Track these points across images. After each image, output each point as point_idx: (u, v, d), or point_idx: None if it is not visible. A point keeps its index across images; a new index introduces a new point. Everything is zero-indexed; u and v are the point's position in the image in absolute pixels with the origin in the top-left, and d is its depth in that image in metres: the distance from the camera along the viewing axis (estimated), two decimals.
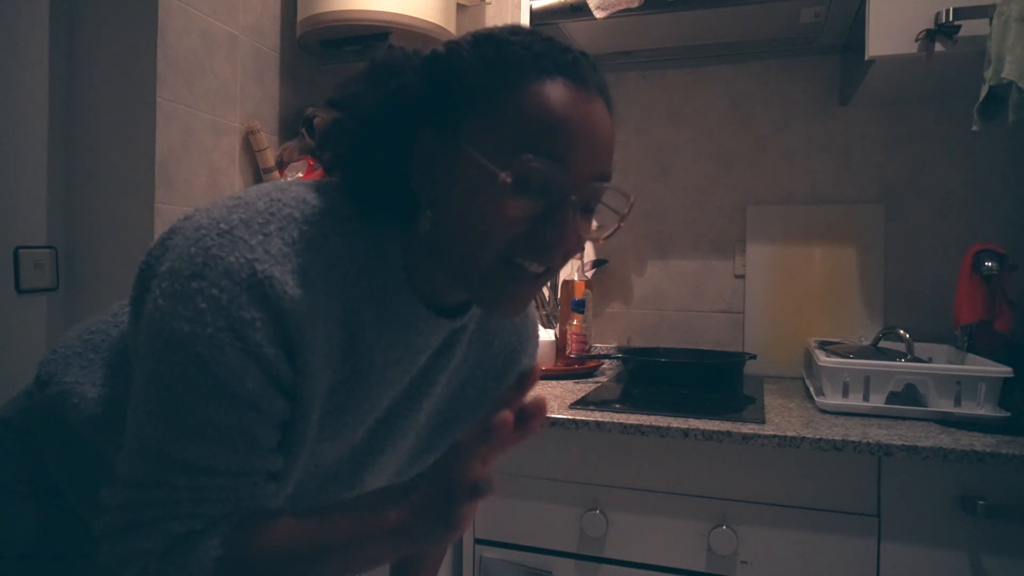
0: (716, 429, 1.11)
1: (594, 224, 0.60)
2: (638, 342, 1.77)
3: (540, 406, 0.50)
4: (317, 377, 0.56)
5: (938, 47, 1.19)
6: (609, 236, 0.61)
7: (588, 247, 1.81)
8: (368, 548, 0.53)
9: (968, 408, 1.15)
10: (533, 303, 0.85)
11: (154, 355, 0.53)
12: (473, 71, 0.55)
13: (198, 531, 0.53)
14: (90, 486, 0.68)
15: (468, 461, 0.49)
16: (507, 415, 0.48)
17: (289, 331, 0.53)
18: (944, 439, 1.05)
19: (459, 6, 1.70)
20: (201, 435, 0.52)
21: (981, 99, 1.14)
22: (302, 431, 0.57)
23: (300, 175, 1.61)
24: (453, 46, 0.58)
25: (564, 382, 1.55)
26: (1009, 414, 1.14)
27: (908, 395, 1.20)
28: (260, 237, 0.53)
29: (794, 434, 1.07)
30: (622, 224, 0.61)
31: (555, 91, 0.54)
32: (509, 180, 0.53)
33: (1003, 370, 1.15)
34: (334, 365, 0.58)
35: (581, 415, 1.19)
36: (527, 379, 0.50)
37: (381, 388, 0.63)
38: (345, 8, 1.53)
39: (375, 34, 1.56)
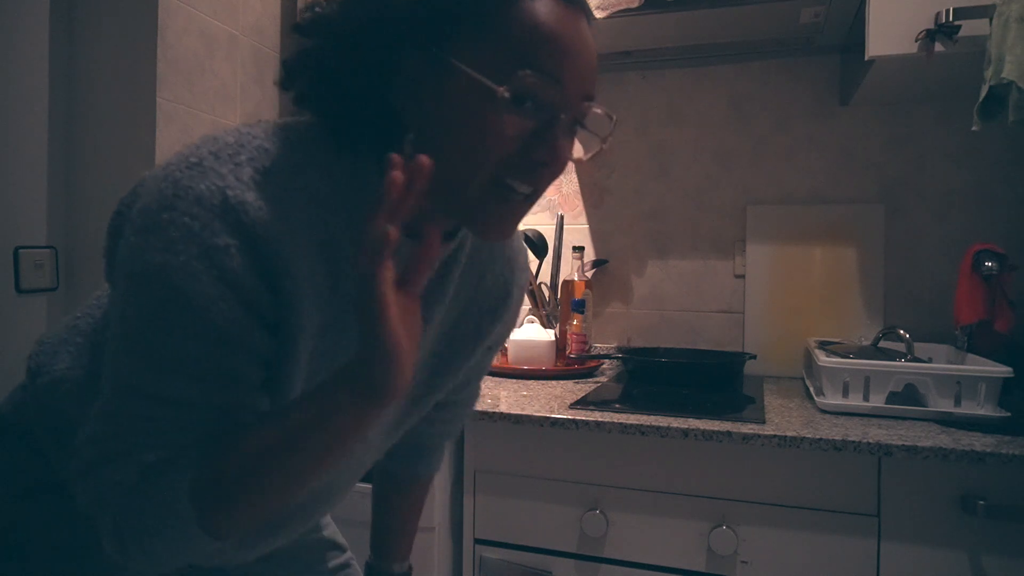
0: (716, 429, 1.11)
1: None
2: (638, 342, 1.77)
3: (423, 160, 0.47)
4: (301, 310, 0.54)
5: (938, 47, 1.19)
6: (592, 157, 0.60)
7: (588, 247, 1.81)
8: (332, 416, 0.50)
9: (968, 408, 1.15)
10: (521, 237, 0.84)
11: (128, 289, 0.51)
12: None
13: (169, 458, 0.51)
14: None
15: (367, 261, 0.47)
16: (396, 174, 0.47)
17: (266, 258, 0.51)
18: (944, 439, 1.05)
19: None
20: (177, 367, 0.50)
21: (981, 99, 1.14)
22: (290, 369, 0.56)
23: None
24: None
25: (564, 382, 1.55)
26: (1009, 414, 1.14)
27: (908, 395, 1.20)
28: (231, 166, 0.51)
29: (794, 434, 1.07)
30: (604, 146, 0.61)
31: (547, 8, 0.53)
32: (508, 95, 0.52)
33: (1003, 370, 1.15)
34: (320, 303, 0.56)
35: (581, 415, 1.19)
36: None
37: None
38: None
39: None
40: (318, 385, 0.51)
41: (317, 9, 0.58)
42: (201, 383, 0.51)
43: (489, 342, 0.79)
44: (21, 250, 1.29)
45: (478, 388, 0.90)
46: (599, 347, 1.78)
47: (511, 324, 0.81)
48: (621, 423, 1.16)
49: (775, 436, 1.08)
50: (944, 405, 1.17)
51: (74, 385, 0.65)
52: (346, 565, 0.94)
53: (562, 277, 1.76)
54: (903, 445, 1.02)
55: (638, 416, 1.18)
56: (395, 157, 0.47)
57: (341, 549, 0.95)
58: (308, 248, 0.54)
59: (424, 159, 0.47)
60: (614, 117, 0.60)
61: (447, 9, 0.54)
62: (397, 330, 0.47)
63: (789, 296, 1.65)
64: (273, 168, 0.53)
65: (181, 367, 0.51)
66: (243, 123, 0.58)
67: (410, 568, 0.95)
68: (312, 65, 0.57)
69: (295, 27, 0.58)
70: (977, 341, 1.35)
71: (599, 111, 0.58)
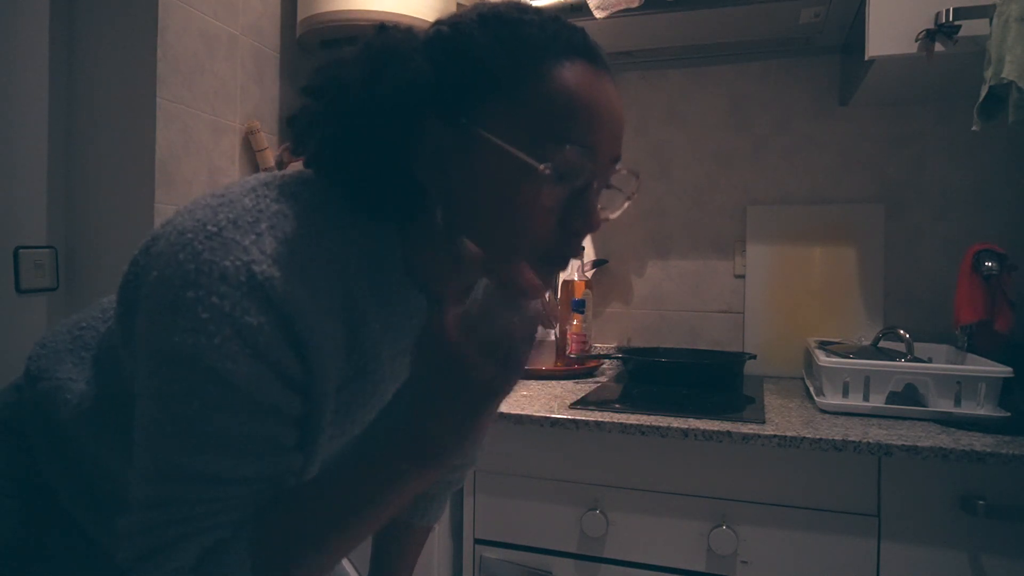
0: (716, 429, 1.11)
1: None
2: (638, 342, 1.77)
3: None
4: (326, 375, 0.54)
5: (938, 47, 1.19)
6: (617, 215, 0.61)
7: (588, 247, 1.81)
8: (396, 482, 0.51)
9: (968, 408, 1.15)
10: None
11: (159, 371, 0.50)
12: (488, 54, 0.53)
13: (226, 539, 0.51)
14: (81, 484, 0.67)
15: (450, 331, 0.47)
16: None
17: (296, 331, 0.51)
18: (944, 439, 1.05)
19: (459, 5, 1.70)
20: (222, 446, 0.50)
21: (981, 99, 1.14)
22: (317, 430, 0.56)
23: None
24: (460, 26, 0.55)
25: (564, 382, 1.55)
26: (1009, 414, 1.14)
27: (908, 395, 1.20)
28: (252, 236, 0.50)
29: (794, 434, 1.07)
30: (629, 203, 0.61)
31: (579, 75, 0.53)
32: (549, 172, 0.51)
33: (1003, 370, 1.15)
34: (339, 363, 0.57)
35: (581, 415, 1.19)
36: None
37: (388, 381, 0.62)
38: (345, 8, 1.53)
39: None
40: (370, 450, 0.51)
41: (330, 71, 0.56)
42: (248, 458, 0.51)
43: None
44: (21, 250, 1.29)
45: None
46: (599, 347, 1.78)
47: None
48: (621, 423, 1.16)
49: (775, 436, 1.08)
50: (944, 405, 1.17)
51: (75, 396, 0.65)
52: None
53: (562, 277, 1.76)
54: (903, 445, 1.02)
55: (638, 416, 1.18)
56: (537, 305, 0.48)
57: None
58: (329, 312, 0.54)
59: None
60: (639, 175, 0.60)
61: (474, 77, 0.53)
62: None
63: (789, 296, 1.65)
64: (294, 236, 0.52)
65: (227, 446, 0.50)
66: (255, 178, 0.56)
67: None
68: (326, 129, 0.56)
69: (304, 89, 0.57)
70: (977, 341, 1.35)
71: (626, 171, 0.59)
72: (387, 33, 0.57)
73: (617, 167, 0.57)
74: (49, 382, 0.66)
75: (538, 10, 0.55)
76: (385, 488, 0.51)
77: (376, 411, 0.63)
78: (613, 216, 0.60)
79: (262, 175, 0.58)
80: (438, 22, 0.56)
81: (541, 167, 0.51)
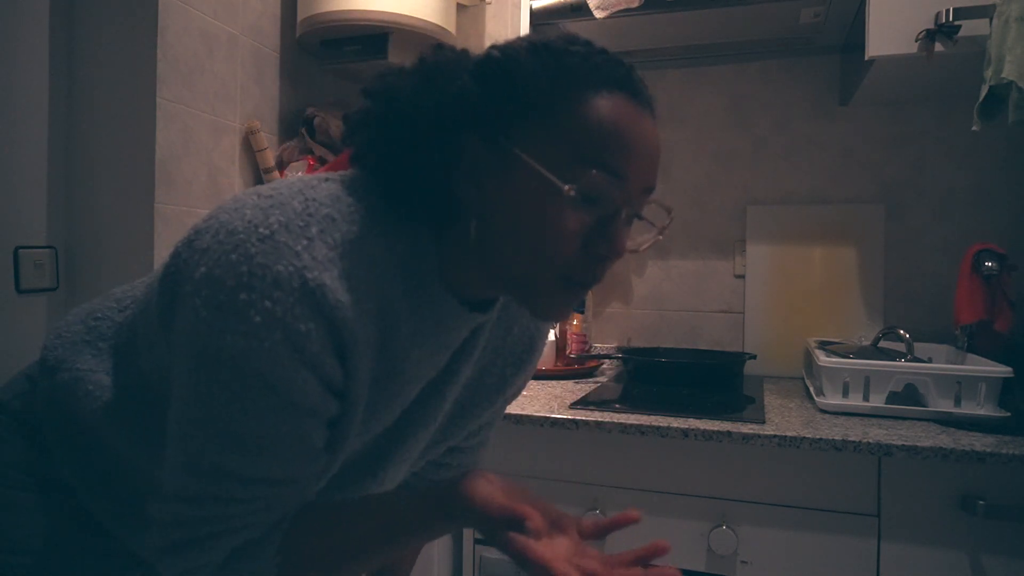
0: (716, 429, 1.11)
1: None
2: (638, 342, 1.77)
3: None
4: (362, 378, 0.56)
5: (938, 47, 1.19)
6: (649, 246, 0.62)
7: None
8: (427, 531, 0.54)
9: (968, 408, 1.15)
10: None
11: (203, 369, 0.51)
12: (532, 78, 0.55)
13: (257, 539, 0.53)
14: (98, 476, 0.68)
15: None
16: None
17: (342, 338, 0.52)
18: (944, 439, 1.05)
19: (459, 6, 1.70)
20: (259, 448, 0.52)
21: (981, 99, 1.14)
22: (347, 430, 0.57)
23: (300, 174, 1.61)
24: (509, 51, 0.57)
25: (564, 382, 1.55)
26: (1009, 414, 1.14)
27: (908, 395, 1.20)
28: (304, 242, 0.51)
29: (794, 434, 1.07)
30: (661, 237, 0.62)
31: (616, 106, 0.54)
32: (573, 194, 0.53)
33: (1003, 370, 1.15)
34: (371, 364, 0.58)
35: (581, 415, 1.19)
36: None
37: (413, 383, 0.63)
38: (345, 8, 1.53)
39: (375, 34, 1.56)
40: (419, 500, 0.54)
41: (389, 78, 0.59)
42: (283, 461, 0.53)
43: (509, 392, 0.80)
44: (21, 250, 1.29)
45: (488, 437, 0.91)
46: (599, 347, 1.78)
47: (531, 374, 0.83)
48: (621, 423, 1.16)
49: (775, 436, 1.08)
50: (944, 405, 1.17)
51: (96, 388, 0.65)
52: None
53: None
54: (903, 445, 1.02)
55: (638, 416, 1.18)
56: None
57: None
58: (367, 313, 0.55)
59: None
60: (672, 210, 0.61)
61: (515, 99, 0.55)
62: None
63: (789, 296, 1.65)
64: (342, 241, 0.53)
65: (267, 448, 0.52)
66: (301, 180, 0.58)
67: None
68: (374, 130, 0.58)
69: (364, 90, 0.59)
70: (977, 341, 1.35)
71: (662, 205, 0.60)
72: (442, 51, 0.60)
73: (649, 199, 0.58)
74: (69, 373, 0.66)
75: (588, 43, 0.57)
76: (418, 532, 0.54)
77: (397, 411, 0.64)
78: (641, 249, 0.61)
79: (306, 177, 0.59)
80: (492, 46, 0.59)
81: (566, 188, 0.53)
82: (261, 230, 0.51)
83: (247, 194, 0.56)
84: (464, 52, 0.60)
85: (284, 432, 0.52)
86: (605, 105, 0.54)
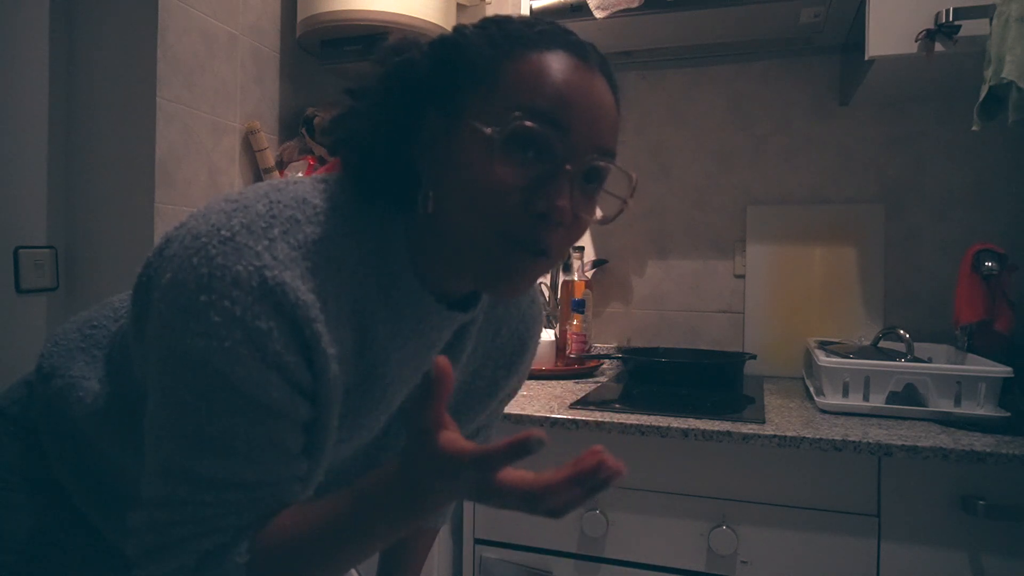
0: (716, 429, 1.11)
1: (599, 212, 0.59)
2: (638, 342, 1.77)
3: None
4: (333, 381, 0.55)
5: (938, 47, 1.19)
6: (613, 219, 0.59)
7: (588, 247, 1.81)
8: (379, 521, 0.51)
9: (968, 408, 1.15)
10: (539, 293, 0.84)
11: (169, 373, 0.51)
12: (475, 47, 0.56)
13: (226, 543, 0.52)
14: (91, 480, 0.68)
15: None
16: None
17: (305, 337, 0.52)
18: (944, 439, 1.05)
19: (459, 6, 1.70)
20: (227, 450, 0.51)
21: (981, 99, 1.14)
22: (324, 435, 0.56)
23: (300, 174, 1.61)
24: (460, 28, 0.58)
25: (564, 382, 1.55)
26: (1009, 414, 1.14)
27: (908, 395, 1.20)
28: (265, 242, 0.51)
29: (794, 434, 1.07)
30: (626, 206, 0.60)
31: (555, 59, 0.54)
32: (496, 135, 0.52)
33: (1003, 370, 1.15)
34: (347, 368, 0.57)
35: (581, 415, 1.19)
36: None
37: (396, 387, 0.62)
38: (345, 8, 1.53)
39: (375, 34, 1.56)
40: (376, 488, 0.51)
41: (365, 79, 0.60)
42: (254, 463, 0.52)
43: (503, 395, 0.79)
44: (21, 250, 1.29)
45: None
46: (599, 347, 1.78)
47: (524, 376, 0.82)
48: (621, 423, 1.16)
49: (775, 436, 1.08)
50: (944, 405, 1.17)
51: (87, 395, 0.65)
52: None
53: (562, 277, 1.76)
54: (903, 445, 1.02)
55: (638, 416, 1.18)
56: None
57: None
58: (339, 317, 0.54)
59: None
60: (634, 176, 0.59)
61: (461, 68, 0.55)
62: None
63: (789, 296, 1.65)
64: (306, 241, 0.53)
65: (233, 450, 0.51)
66: (269, 184, 0.58)
67: None
68: (349, 121, 0.60)
69: (346, 90, 0.61)
70: (977, 341, 1.35)
71: (617, 168, 0.57)
72: (400, 37, 0.60)
73: (603, 161, 0.56)
74: (62, 379, 0.67)
75: (539, 20, 0.58)
76: (378, 514, 0.50)
77: (383, 416, 0.63)
78: (604, 218, 0.59)
79: (276, 180, 0.59)
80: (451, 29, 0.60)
81: (489, 130, 0.52)
82: (223, 232, 0.51)
83: (216, 199, 0.56)
84: (418, 37, 0.60)
85: (252, 434, 0.51)
86: (542, 58, 0.54)
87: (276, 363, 0.50)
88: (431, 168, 0.57)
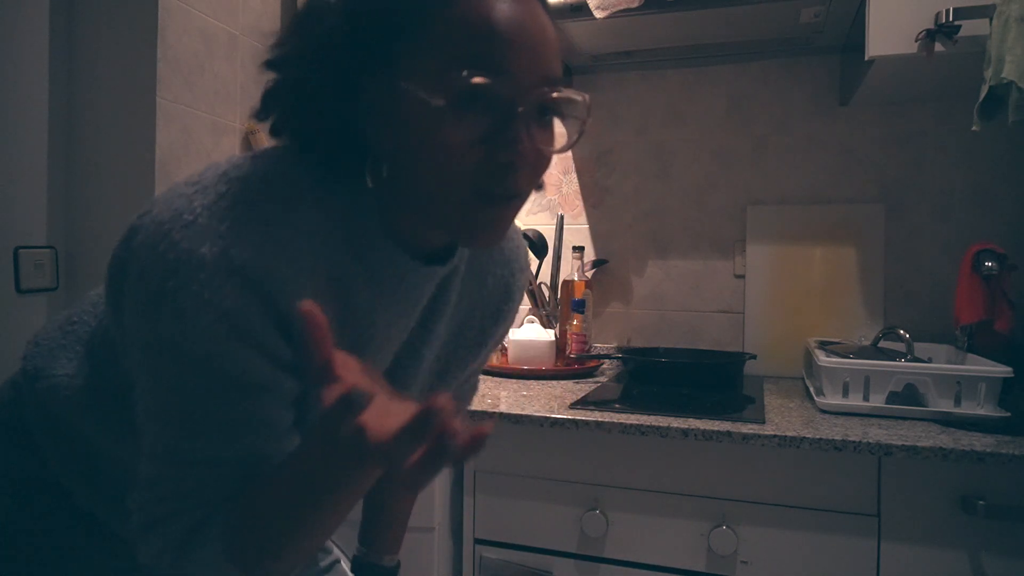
0: (716, 429, 1.11)
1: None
2: (638, 342, 1.77)
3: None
4: None
5: (938, 47, 1.19)
6: (572, 145, 0.57)
7: (588, 247, 1.81)
8: (314, 481, 0.50)
9: (968, 408, 1.15)
10: (520, 234, 0.83)
11: (149, 362, 0.52)
12: (397, 2, 0.52)
13: (211, 515, 0.53)
14: (86, 472, 0.68)
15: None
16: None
17: (280, 310, 0.51)
18: (944, 439, 1.05)
19: None
20: (212, 430, 0.52)
21: (981, 99, 1.14)
22: (314, 405, 0.56)
23: None
24: None
25: (564, 382, 1.55)
26: (1009, 414, 1.14)
27: (908, 395, 1.20)
28: (228, 222, 0.50)
29: (794, 434, 1.07)
30: (584, 129, 0.57)
31: (484, 1, 0.50)
32: (442, 103, 0.50)
33: (1003, 370, 1.15)
34: (332, 337, 0.57)
35: (581, 415, 1.19)
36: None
37: (386, 349, 0.62)
38: None
39: None
40: (300, 449, 0.51)
41: (280, 46, 0.57)
42: (238, 441, 0.53)
43: (491, 343, 0.79)
44: (21, 250, 1.29)
45: (477, 382, 0.90)
46: (599, 347, 1.78)
47: (511, 322, 0.82)
48: (621, 423, 1.16)
49: (775, 436, 1.08)
50: (944, 405, 1.17)
51: (73, 392, 0.65)
52: (336, 562, 0.95)
53: (562, 277, 1.76)
54: (903, 445, 1.02)
55: (638, 416, 1.18)
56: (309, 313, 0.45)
57: (327, 551, 0.96)
58: (316, 287, 0.54)
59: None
60: (586, 97, 0.56)
61: (386, 25, 0.52)
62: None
63: (789, 296, 1.65)
64: (271, 215, 0.52)
65: (216, 430, 0.52)
66: (228, 162, 0.56)
67: (399, 564, 0.95)
68: (281, 97, 0.57)
69: (265, 63, 0.58)
70: (977, 341, 1.35)
71: (568, 95, 0.54)
72: (308, 4, 0.57)
73: (555, 92, 0.53)
74: (47, 380, 0.67)
75: None
76: (320, 471, 0.49)
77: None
78: (567, 146, 0.57)
79: (234, 157, 0.57)
80: None
81: (433, 100, 0.50)
82: (186, 216, 0.50)
83: (177, 184, 0.55)
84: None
85: (236, 412, 0.52)
86: (472, 3, 0.50)
87: (251, 340, 0.50)
88: (380, 137, 0.54)
